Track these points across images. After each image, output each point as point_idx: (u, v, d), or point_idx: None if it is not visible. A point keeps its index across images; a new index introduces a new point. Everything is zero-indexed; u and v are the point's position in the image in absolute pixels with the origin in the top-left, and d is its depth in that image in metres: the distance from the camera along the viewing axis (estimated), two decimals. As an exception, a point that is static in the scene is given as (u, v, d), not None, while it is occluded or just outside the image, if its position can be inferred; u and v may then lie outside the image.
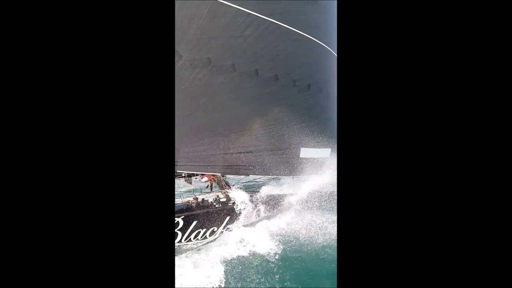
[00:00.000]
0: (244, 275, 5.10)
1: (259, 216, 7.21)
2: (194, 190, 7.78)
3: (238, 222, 6.79)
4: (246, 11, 5.59)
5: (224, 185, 7.95)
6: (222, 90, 5.95)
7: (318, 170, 7.80)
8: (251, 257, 5.72)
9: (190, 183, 8.19)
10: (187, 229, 6.16)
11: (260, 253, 5.79)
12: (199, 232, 6.37)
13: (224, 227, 6.65)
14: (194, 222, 6.19)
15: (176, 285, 4.30)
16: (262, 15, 5.80)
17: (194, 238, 6.34)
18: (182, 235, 6.15)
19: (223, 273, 5.08)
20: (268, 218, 7.22)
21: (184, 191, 7.73)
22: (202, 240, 6.48)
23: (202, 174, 8.07)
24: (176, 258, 5.48)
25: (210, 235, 6.54)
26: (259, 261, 5.57)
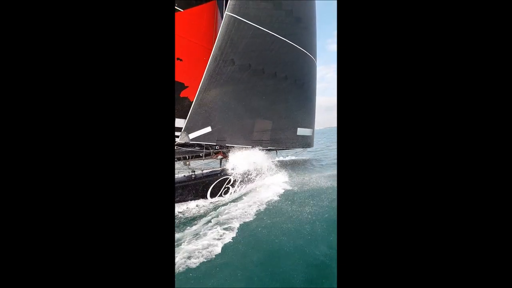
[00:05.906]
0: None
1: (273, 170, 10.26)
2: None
3: (264, 175, 9.59)
4: (271, 33, 8.46)
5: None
6: (255, 86, 8.66)
7: (307, 145, 11.20)
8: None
9: (189, 164, 10.49)
10: (235, 185, 8.69)
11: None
12: (242, 186, 8.95)
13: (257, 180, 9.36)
14: (239, 180, 8.75)
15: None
16: (280, 36, 8.75)
17: (239, 190, 8.89)
18: (232, 188, 8.65)
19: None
20: (280, 170, 10.43)
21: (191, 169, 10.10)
22: (244, 190, 9.07)
23: (217, 153, 10.62)
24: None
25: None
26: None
